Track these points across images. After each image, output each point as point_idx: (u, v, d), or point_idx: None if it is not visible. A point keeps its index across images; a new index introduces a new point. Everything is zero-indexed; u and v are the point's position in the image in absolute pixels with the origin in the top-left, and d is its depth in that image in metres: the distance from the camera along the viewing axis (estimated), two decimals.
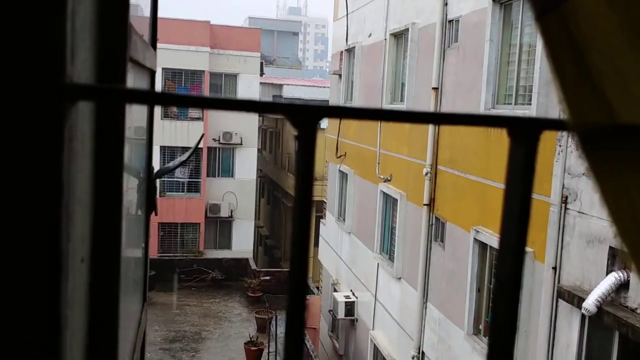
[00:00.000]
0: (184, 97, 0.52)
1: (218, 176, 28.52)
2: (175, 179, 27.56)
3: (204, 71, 27.36)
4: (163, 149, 25.98)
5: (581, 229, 6.97)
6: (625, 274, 6.27)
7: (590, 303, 6.35)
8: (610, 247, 6.49)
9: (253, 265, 26.05)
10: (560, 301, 7.19)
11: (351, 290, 15.79)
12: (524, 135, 0.54)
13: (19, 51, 0.54)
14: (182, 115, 27.22)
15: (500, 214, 0.55)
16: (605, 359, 6.69)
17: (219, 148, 28.31)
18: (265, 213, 34.26)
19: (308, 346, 17.10)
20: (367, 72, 15.05)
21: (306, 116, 0.50)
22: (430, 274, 11.16)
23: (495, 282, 0.55)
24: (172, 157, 24.86)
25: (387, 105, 13.28)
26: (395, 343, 12.75)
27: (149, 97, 0.67)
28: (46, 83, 0.54)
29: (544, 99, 7.73)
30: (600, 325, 6.62)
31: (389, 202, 13.43)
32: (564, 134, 7.15)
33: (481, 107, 9.23)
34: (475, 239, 9.35)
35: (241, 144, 28.20)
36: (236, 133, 27.87)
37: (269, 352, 18.20)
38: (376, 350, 13.77)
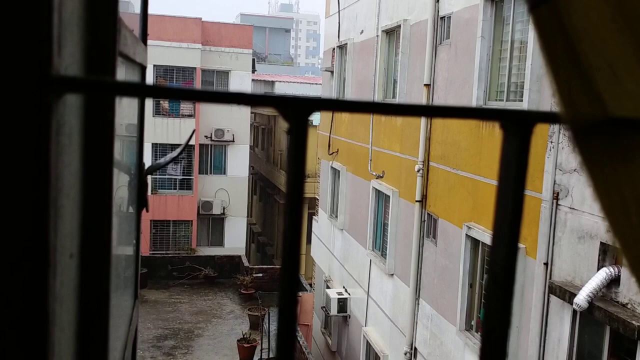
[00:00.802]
0: (172, 89, 0.51)
1: (210, 173, 28.49)
2: (167, 177, 27.51)
3: (195, 68, 27.30)
4: (155, 146, 25.92)
5: (572, 225, 7.00)
6: (616, 269, 6.30)
7: (581, 298, 6.38)
8: (602, 243, 6.53)
9: (246, 263, 26.04)
10: (552, 297, 7.23)
11: (344, 287, 15.81)
12: (517, 128, 0.54)
13: (3, 42, 0.53)
14: (173, 113, 27.16)
15: (493, 209, 0.54)
16: (597, 353, 6.73)
17: (211, 145, 28.27)
18: (258, 210, 34.25)
19: (301, 343, 17.12)
20: (359, 68, 15.06)
21: (297, 108, 0.49)
22: (423, 270, 11.19)
23: (489, 274, 0.54)
24: (164, 154, 24.80)
25: (379, 101, 13.27)
26: (387, 339, 12.79)
27: (137, 90, 0.66)
28: (31, 74, 0.53)
29: (536, 95, 7.75)
30: (591, 321, 6.66)
31: (382, 199, 13.45)
32: (556, 130, 7.17)
33: (473, 103, 9.26)
34: (467, 235, 9.38)
35: (233, 141, 28.17)
36: (228, 130, 27.83)
37: (261, 349, 18.21)
38: (369, 347, 13.80)
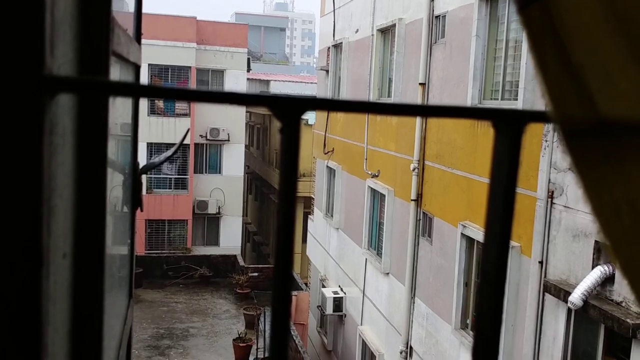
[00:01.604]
0: (167, 89, 0.51)
1: (205, 173, 28.46)
2: (162, 176, 27.46)
3: (190, 67, 27.26)
4: (150, 145, 25.88)
5: (567, 224, 7.02)
6: (610, 267, 6.33)
7: (576, 297, 6.40)
8: (596, 241, 6.55)
9: (241, 262, 26.02)
10: (547, 295, 7.25)
11: (339, 286, 15.82)
12: (509, 127, 0.54)
13: None
14: (168, 112, 27.11)
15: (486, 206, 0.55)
16: (591, 351, 6.75)
17: (206, 144, 28.24)
18: (253, 209, 34.23)
19: (297, 342, 17.12)
20: (355, 67, 15.06)
21: (290, 108, 0.49)
22: (418, 269, 11.21)
23: (481, 272, 0.55)
24: (159, 153, 24.73)
25: (374, 101, 13.28)
26: (383, 338, 12.80)
27: (131, 89, 0.66)
28: (24, 75, 0.54)
29: (530, 94, 7.77)
30: (586, 319, 6.68)
31: (377, 198, 13.46)
32: (550, 129, 7.19)
33: (468, 102, 9.27)
34: (462, 234, 9.39)
35: (228, 140, 28.14)
36: (223, 129, 27.80)
37: (257, 348, 18.20)
38: (364, 346, 13.81)
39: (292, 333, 16.51)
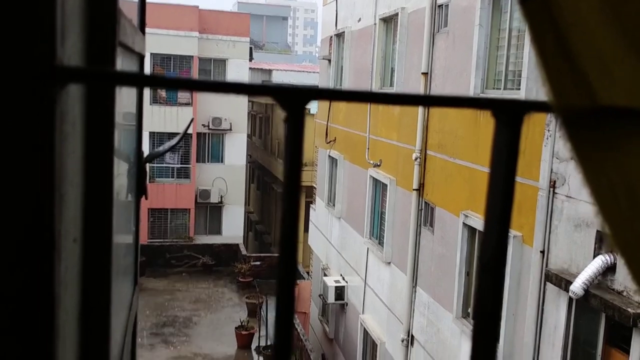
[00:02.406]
0: (173, 79, 0.52)
1: (208, 162, 28.44)
2: (165, 165, 27.46)
3: (192, 56, 27.18)
4: (152, 134, 25.86)
5: (569, 213, 7.03)
6: (612, 257, 6.34)
7: (577, 286, 6.42)
8: (598, 231, 6.55)
9: (243, 251, 26.09)
10: (548, 284, 7.27)
11: (341, 275, 15.86)
12: (508, 117, 0.55)
13: (10, 34, 0.55)
14: (171, 101, 27.07)
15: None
16: (592, 340, 6.78)
17: (209, 134, 28.20)
18: (255, 198, 34.24)
19: (298, 330, 17.20)
20: (357, 57, 15.02)
21: (294, 98, 0.51)
22: (420, 258, 11.23)
23: (480, 261, 0.56)
24: (162, 142, 24.72)
25: (376, 90, 13.26)
26: (385, 326, 12.85)
27: (138, 80, 0.67)
28: (37, 66, 0.55)
29: (533, 84, 7.75)
30: (587, 308, 6.70)
31: (379, 187, 13.46)
32: (552, 118, 7.18)
33: (470, 91, 9.25)
34: (464, 223, 9.41)
35: (231, 129, 28.10)
36: (226, 119, 27.75)
37: (259, 337, 18.29)
38: (366, 334, 13.87)
39: (294, 321, 16.56)
